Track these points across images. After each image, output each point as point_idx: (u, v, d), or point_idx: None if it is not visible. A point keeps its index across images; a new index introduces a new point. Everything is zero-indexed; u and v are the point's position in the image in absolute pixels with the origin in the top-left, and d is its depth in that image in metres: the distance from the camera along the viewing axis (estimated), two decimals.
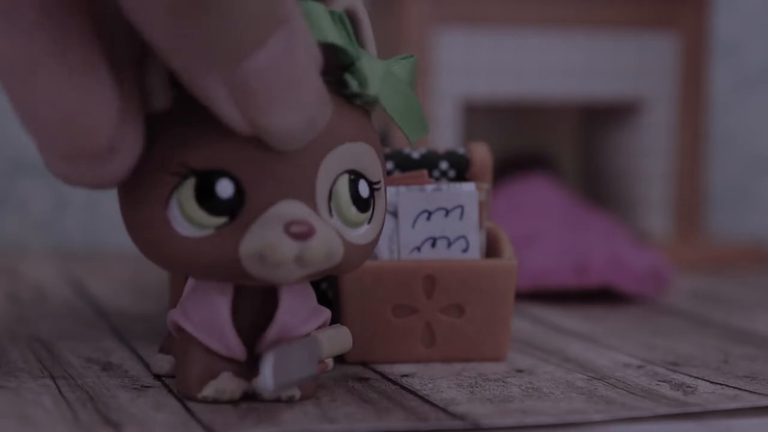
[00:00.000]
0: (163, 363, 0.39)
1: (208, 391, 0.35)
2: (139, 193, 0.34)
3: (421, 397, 0.37)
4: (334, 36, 0.33)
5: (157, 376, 0.39)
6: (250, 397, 0.36)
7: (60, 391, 0.37)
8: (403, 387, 0.39)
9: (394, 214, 0.42)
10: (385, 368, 0.42)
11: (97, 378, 0.39)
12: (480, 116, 0.77)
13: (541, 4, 0.72)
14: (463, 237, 0.43)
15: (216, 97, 0.30)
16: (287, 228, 0.32)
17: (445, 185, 0.43)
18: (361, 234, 0.35)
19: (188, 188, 0.33)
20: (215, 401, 0.35)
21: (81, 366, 0.41)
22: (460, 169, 0.45)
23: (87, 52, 0.31)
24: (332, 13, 0.33)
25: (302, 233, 0.32)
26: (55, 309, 0.53)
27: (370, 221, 0.35)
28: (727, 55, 0.87)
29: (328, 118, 0.32)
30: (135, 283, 0.61)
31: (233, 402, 0.36)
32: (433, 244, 0.43)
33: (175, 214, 0.33)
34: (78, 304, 0.55)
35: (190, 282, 0.36)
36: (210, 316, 0.35)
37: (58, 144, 0.31)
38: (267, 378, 0.33)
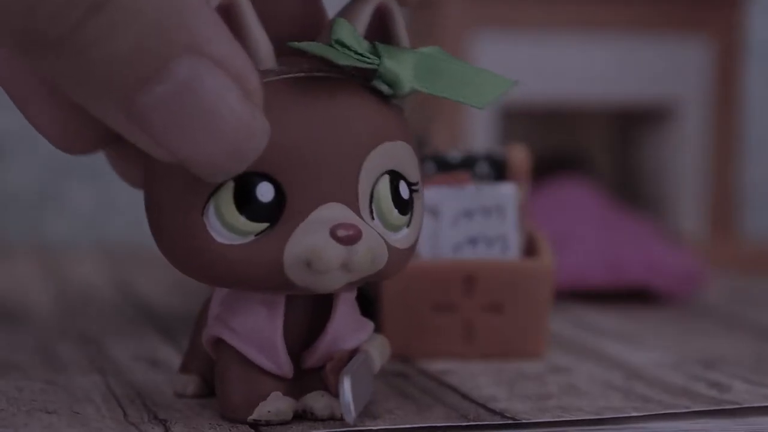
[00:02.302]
0: (186, 383, 0.37)
1: (259, 413, 0.33)
2: (172, 198, 0.32)
3: (461, 394, 0.38)
4: (338, 57, 0.32)
5: (181, 396, 0.37)
6: (299, 416, 0.34)
7: (109, 387, 0.38)
8: (443, 383, 0.39)
9: (435, 214, 0.43)
10: (425, 364, 0.42)
11: (144, 374, 0.40)
12: (515, 118, 0.77)
13: (577, 7, 0.72)
14: (503, 237, 0.43)
15: (119, 126, 0.29)
16: (333, 232, 0.31)
17: (485, 186, 0.43)
18: (400, 238, 0.34)
19: (227, 192, 0.31)
20: (267, 424, 0.33)
21: (128, 362, 0.42)
22: (499, 170, 0.45)
23: None
24: (333, 30, 0.33)
25: (349, 237, 0.31)
26: (102, 307, 0.54)
27: (409, 225, 0.34)
28: (762, 56, 0.87)
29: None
30: (179, 282, 0.61)
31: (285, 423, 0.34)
32: (474, 244, 0.43)
33: (212, 221, 0.31)
34: (124, 303, 0.55)
35: (223, 293, 0.34)
36: (258, 331, 0.33)
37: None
38: (350, 408, 0.32)
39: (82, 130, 0.33)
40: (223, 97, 0.28)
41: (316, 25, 0.35)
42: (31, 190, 0.81)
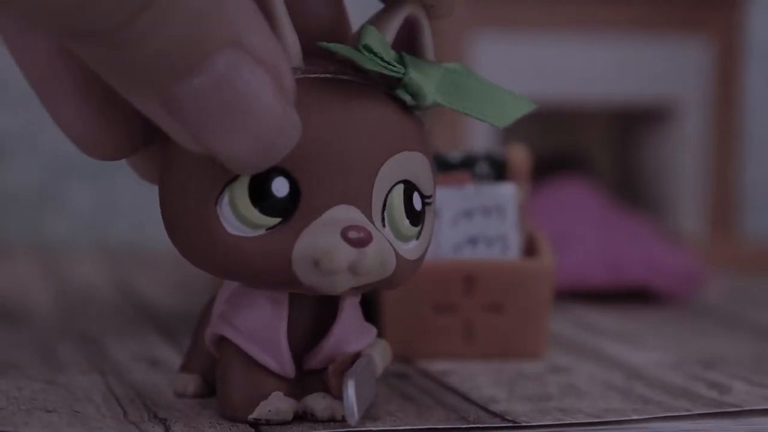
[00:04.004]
0: (186, 382, 0.37)
1: (259, 412, 0.33)
2: (187, 188, 0.32)
3: (461, 395, 0.38)
4: (365, 62, 0.32)
5: (181, 396, 0.37)
6: (299, 417, 0.34)
7: (109, 387, 0.38)
8: (443, 384, 0.39)
9: (435, 214, 0.43)
10: (425, 365, 0.42)
11: (144, 374, 0.40)
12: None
13: (577, 7, 0.72)
14: (503, 237, 0.43)
15: (155, 115, 0.29)
16: (345, 233, 0.31)
17: (485, 186, 0.43)
18: (409, 249, 0.34)
19: (242, 184, 0.31)
20: (267, 423, 0.33)
21: (128, 362, 0.42)
22: (499, 170, 0.45)
23: (106, 86, 0.31)
24: (362, 36, 0.33)
25: (360, 239, 0.31)
26: (102, 307, 0.54)
27: (418, 237, 0.34)
28: (762, 56, 0.87)
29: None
30: (180, 282, 0.61)
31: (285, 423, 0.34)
32: (474, 244, 0.43)
33: (225, 212, 0.31)
34: (124, 303, 0.55)
35: (228, 292, 0.35)
36: (262, 330, 0.33)
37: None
38: (353, 410, 0.32)
39: (112, 136, 0.32)
40: (259, 92, 0.28)
41: (339, 32, 0.34)
42: (31, 190, 0.81)
